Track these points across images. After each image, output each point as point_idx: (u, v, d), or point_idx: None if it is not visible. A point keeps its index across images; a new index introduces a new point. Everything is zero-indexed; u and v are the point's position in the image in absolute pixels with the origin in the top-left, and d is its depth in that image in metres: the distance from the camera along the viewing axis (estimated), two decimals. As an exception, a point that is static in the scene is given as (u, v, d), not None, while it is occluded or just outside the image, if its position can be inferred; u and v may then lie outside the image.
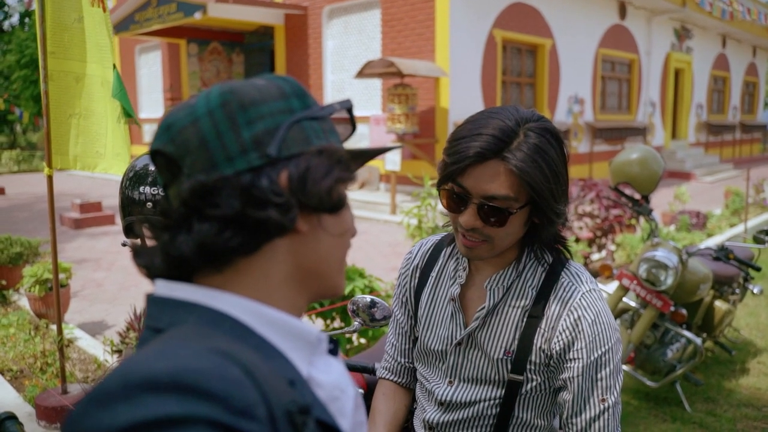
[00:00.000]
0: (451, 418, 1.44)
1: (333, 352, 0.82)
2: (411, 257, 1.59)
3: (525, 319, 1.36)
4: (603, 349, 1.30)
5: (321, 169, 0.71)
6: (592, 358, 1.29)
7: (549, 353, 1.33)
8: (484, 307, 1.38)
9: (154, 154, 0.72)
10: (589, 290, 1.34)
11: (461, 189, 1.27)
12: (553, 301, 1.34)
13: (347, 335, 3.81)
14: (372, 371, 1.89)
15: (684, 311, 3.57)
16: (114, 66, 3.16)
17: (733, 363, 4.31)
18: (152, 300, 0.71)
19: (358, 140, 12.75)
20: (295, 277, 0.75)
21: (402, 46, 12.21)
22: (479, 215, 1.27)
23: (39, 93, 25.13)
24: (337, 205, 0.73)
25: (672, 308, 3.50)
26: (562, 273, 1.37)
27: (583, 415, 1.29)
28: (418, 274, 1.55)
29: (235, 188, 0.67)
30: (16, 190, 14.48)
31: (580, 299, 1.32)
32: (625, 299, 3.71)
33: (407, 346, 1.62)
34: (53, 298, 4.66)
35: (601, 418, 1.29)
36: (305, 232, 0.73)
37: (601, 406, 1.29)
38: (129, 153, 3.21)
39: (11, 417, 1.20)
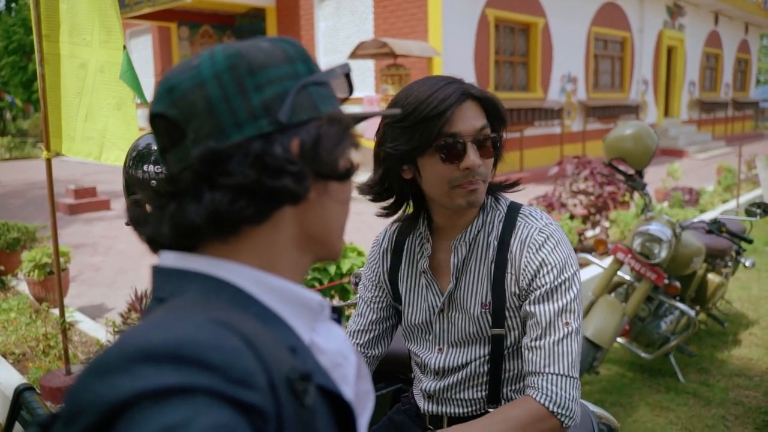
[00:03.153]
0: (446, 384, 1.49)
1: (336, 321, 0.82)
2: (378, 241, 1.63)
3: (493, 268, 1.41)
4: (566, 275, 1.35)
5: (332, 137, 0.70)
6: (557, 283, 1.33)
7: (519, 293, 1.38)
8: (453, 268, 1.45)
9: (155, 117, 0.69)
10: (546, 224, 1.40)
11: (454, 136, 1.32)
12: (514, 243, 1.40)
13: (346, 311, 3.86)
14: None
15: (678, 284, 3.62)
16: (125, 47, 3.11)
17: (726, 335, 4.38)
18: (156, 271, 0.71)
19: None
20: (300, 242, 0.75)
21: (394, 27, 12.15)
22: (479, 151, 1.34)
23: (28, 79, 24.90)
24: (348, 172, 0.74)
25: (666, 281, 3.56)
26: (518, 217, 1.43)
27: (549, 338, 1.31)
28: (389, 257, 1.58)
29: (247, 155, 0.65)
30: (9, 177, 14.41)
31: (537, 234, 1.38)
32: (619, 273, 3.77)
33: (356, 328, 1.62)
34: (53, 281, 4.69)
35: (566, 341, 1.31)
36: (312, 199, 0.73)
37: (566, 330, 1.32)
38: (124, 140, 3.09)
39: (29, 388, 1.24)
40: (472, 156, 1.32)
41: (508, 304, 1.39)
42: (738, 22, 23.75)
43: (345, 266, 3.74)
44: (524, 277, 1.36)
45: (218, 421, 0.50)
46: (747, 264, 4.27)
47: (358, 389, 0.80)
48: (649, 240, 3.50)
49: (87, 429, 0.51)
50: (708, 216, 7.51)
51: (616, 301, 3.56)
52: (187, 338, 0.55)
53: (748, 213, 3.76)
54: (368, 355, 1.62)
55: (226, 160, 0.65)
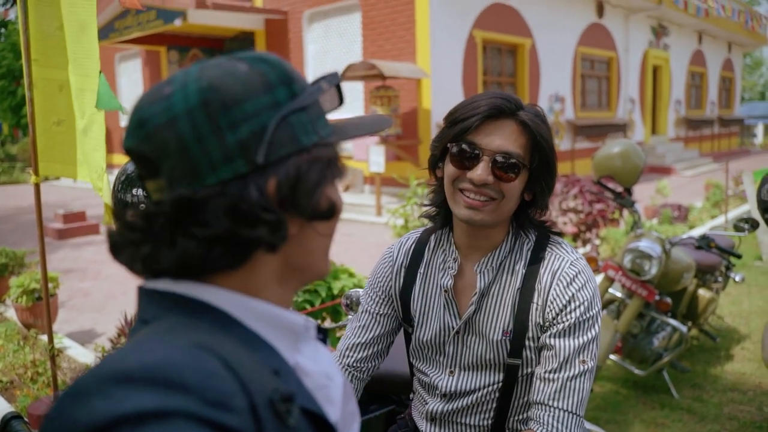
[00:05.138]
0: (454, 407, 1.45)
1: (322, 341, 0.81)
2: (392, 256, 1.56)
3: (518, 297, 1.39)
4: (591, 313, 1.35)
5: (312, 175, 0.67)
6: (582, 319, 1.33)
7: (543, 324, 1.36)
8: (476, 292, 1.40)
9: (129, 151, 0.67)
10: (576, 259, 1.40)
11: (473, 145, 1.32)
12: (543, 274, 1.38)
13: (338, 333, 3.84)
14: None
15: (669, 300, 3.63)
16: (100, 72, 3.14)
17: (718, 350, 4.39)
18: (142, 292, 0.70)
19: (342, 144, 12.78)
20: (281, 274, 0.73)
21: (383, 49, 12.25)
22: (493, 170, 1.31)
23: (17, 104, 24.83)
24: (329, 212, 0.70)
25: (657, 297, 3.56)
26: (548, 247, 1.42)
27: (564, 373, 1.31)
28: (403, 273, 1.53)
29: (222, 203, 0.62)
30: (-2, 203, 14.30)
31: (569, 268, 1.37)
32: (611, 290, 3.77)
33: (357, 341, 1.55)
34: (41, 307, 4.64)
35: (580, 379, 1.32)
36: (294, 233, 0.70)
37: (582, 367, 1.32)
38: (89, 165, 3.11)
39: (17, 416, 1.22)
40: (480, 170, 1.30)
41: (529, 333, 1.37)
42: (721, 41, 24.13)
43: (336, 288, 3.72)
44: (551, 309, 1.35)
45: None
46: (737, 279, 4.29)
47: (344, 410, 0.80)
48: (640, 257, 3.51)
49: None
50: (697, 232, 7.56)
51: (608, 318, 3.56)
52: (165, 361, 0.54)
53: (737, 228, 3.79)
54: (366, 368, 1.56)
55: (201, 208, 0.62)
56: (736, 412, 3.49)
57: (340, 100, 0.77)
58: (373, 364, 1.57)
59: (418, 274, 1.51)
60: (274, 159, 0.65)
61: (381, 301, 1.55)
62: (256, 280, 0.70)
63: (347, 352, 1.55)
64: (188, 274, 0.66)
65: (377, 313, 1.55)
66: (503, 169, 1.31)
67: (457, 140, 1.33)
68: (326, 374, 0.76)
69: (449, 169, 1.36)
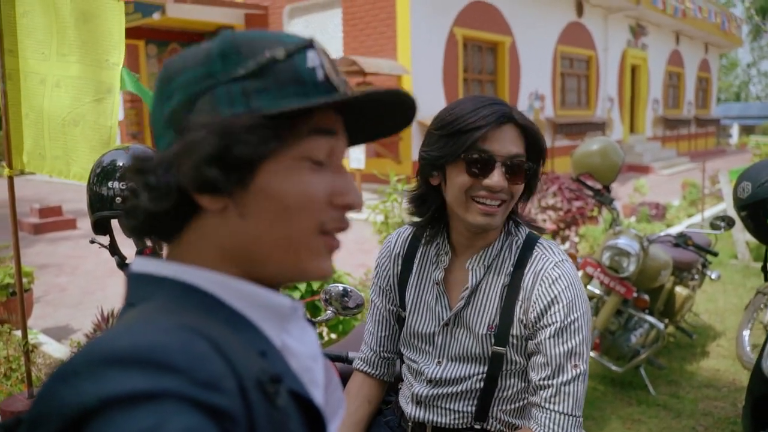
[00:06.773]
0: (438, 392, 1.50)
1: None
2: (390, 246, 1.64)
3: (505, 294, 1.43)
4: (575, 315, 1.37)
5: (196, 145, 0.63)
6: (566, 322, 1.35)
7: (527, 323, 1.40)
8: (467, 288, 1.45)
9: None
10: (561, 260, 1.43)
11: (485, 153, 1.34)
12: (527, 273, 1.42)
13: (317, 329, 3.82)
14: (345, 360, 1.91)
15: (646, 297, 3.66)
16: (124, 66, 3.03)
17: (694, 347, 4.44)
18: (129, 276, 0.70)
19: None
20: (226, 257, 0.69)
21: (364, 45, 12.23)
22: (506, 174, 1.36)
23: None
24: (207, 185, 0.65)
25: (635, 294, 3.59)
26: (536, 247, 1.46)
27: (558, 378, 1.35)
28: (400, 262, 1.60)
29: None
30: (-29, 197, 14.02)
31: (552, 268, 1.40)
32: (589, 287, 3.80)
33: (384, 334, 1.67)
34: (15, 303, 4.55)
35: (574, 383, 1.35)
36: (217, 211, 0.67)
37: (574, 372, 1.35)
38: (84, 158, 2.98)
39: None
40: (497, 176, 1.34)
41: (513, 331, 1.41)
42: (698, 42, 24.43)
43: (315, 284, 3.70)
44: (533, 309, 1.38)
45: (187, 425, 0.50)
46: (713, 276, 4.34)
47: (330, 396, 0.81)
48: (618, 254, 3.54)
49: None
50: (674, 230, 7.65)
51: (586, 315, 3.58)
52: (154, 342, 0.54)
53: (713, 226, 3.83)
54: (390, 357, 1.69)
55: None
56: (710, 408, 3.54)
57: (324, 72, 0.68)
58: (395, 351, 1.69)
59: (415, 265, 1.58)
60: (189, 127, 0.65)
61: (384, 294, 1.65)
62: (203, 258, 0.69)
63: (369, 342, 1.69)
64: (152, 232, 0.71)
65: (384, 308, 1.66)
66: (515, 172, 1.36)
67: (468, 150, 1.34)
68: (312, 356, 0.77)
69: (461, 179, 1.37)
